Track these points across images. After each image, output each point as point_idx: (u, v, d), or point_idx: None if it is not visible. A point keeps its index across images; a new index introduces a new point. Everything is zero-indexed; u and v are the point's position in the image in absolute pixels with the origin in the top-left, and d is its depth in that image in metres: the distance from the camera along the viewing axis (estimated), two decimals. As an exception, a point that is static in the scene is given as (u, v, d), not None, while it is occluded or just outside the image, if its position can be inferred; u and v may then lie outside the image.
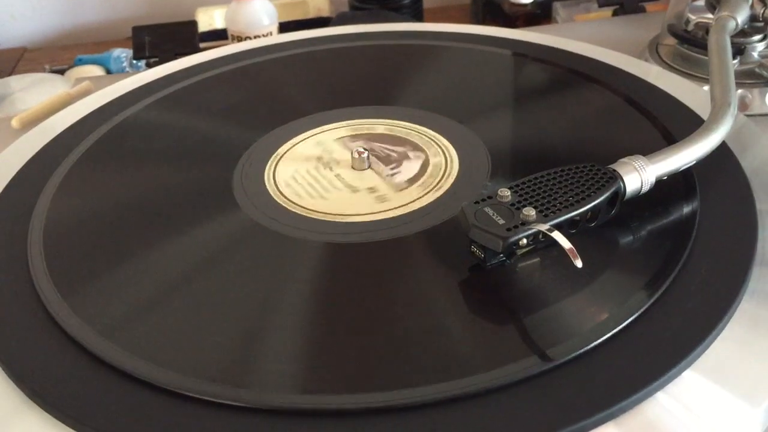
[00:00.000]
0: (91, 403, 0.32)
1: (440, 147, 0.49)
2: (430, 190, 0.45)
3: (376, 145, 0.50)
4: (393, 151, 0.49)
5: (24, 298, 0.38)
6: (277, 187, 0.46)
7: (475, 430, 0.30)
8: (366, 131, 0.52)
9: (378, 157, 0.48)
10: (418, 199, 0.44)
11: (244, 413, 0.31)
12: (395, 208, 0.44)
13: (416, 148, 0.49)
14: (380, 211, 0.43)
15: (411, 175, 0.47)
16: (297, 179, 0.47)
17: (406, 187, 0.45)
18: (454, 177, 0.46)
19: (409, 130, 0.51)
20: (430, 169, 0.47)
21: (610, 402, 0.30)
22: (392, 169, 0.47)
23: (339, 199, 0.45)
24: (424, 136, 0.50)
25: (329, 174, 0.47)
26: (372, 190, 0.45)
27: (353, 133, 0.52)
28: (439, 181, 0.46)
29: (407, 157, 0.48)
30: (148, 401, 0.32)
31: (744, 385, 0.32)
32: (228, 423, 0.31)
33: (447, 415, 0.30)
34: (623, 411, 0.30)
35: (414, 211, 0.43)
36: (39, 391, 0.33)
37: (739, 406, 0.31)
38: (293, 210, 0.44)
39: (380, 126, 0.52)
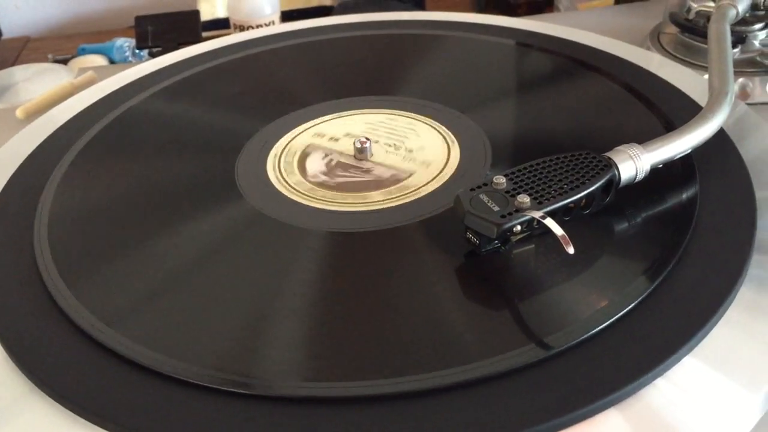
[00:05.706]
0: (97, 391, 0.32)
1: (441, 135, 0.49)
2: (435, 177, 0.45)
3: (380, 133, 0.50)
4: (394, 138, 0.49)
5: (30, 287, 0.38)
6: (282, 177, 0.46)
7: (476, 416, 0.30)
8: (367, 120, 0.52)
9: (386, 144, 0.49)
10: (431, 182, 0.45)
11: (248, 401, 0.31)
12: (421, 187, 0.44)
13: (416, 136, 0.49)
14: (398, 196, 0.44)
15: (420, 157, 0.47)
16: (319, 173, 0.46)
17: (421, 169, 0.46)
18: (454, 166, 0.46)
19: (411, 119, 0.51)
20: (431, 158, 0.47)
21: (612, 388, 0.30)
22: (397, 152, 0.48)
23: (365, 186, 0.45)
24: (424, 125, 0.51)
25: (343, 163, 0.47)
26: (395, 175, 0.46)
27: (354, 122, 0.52)
28: (440, 171, 0.46)
29: (408, 142, 0.49)
30: (153, 389, 0.32)
31: (743, 371, 0.32)
32: (233, 410, 0.31)
33: (448, 402, 0.30)
34: (625, 397, 0.31)
35: (424, 197, 0.44)
36: (45, 379, 0.33)
37: (738, 392, 0.31)
38: (295, 199, 0.44)
39: (381, 115, 0.52)
